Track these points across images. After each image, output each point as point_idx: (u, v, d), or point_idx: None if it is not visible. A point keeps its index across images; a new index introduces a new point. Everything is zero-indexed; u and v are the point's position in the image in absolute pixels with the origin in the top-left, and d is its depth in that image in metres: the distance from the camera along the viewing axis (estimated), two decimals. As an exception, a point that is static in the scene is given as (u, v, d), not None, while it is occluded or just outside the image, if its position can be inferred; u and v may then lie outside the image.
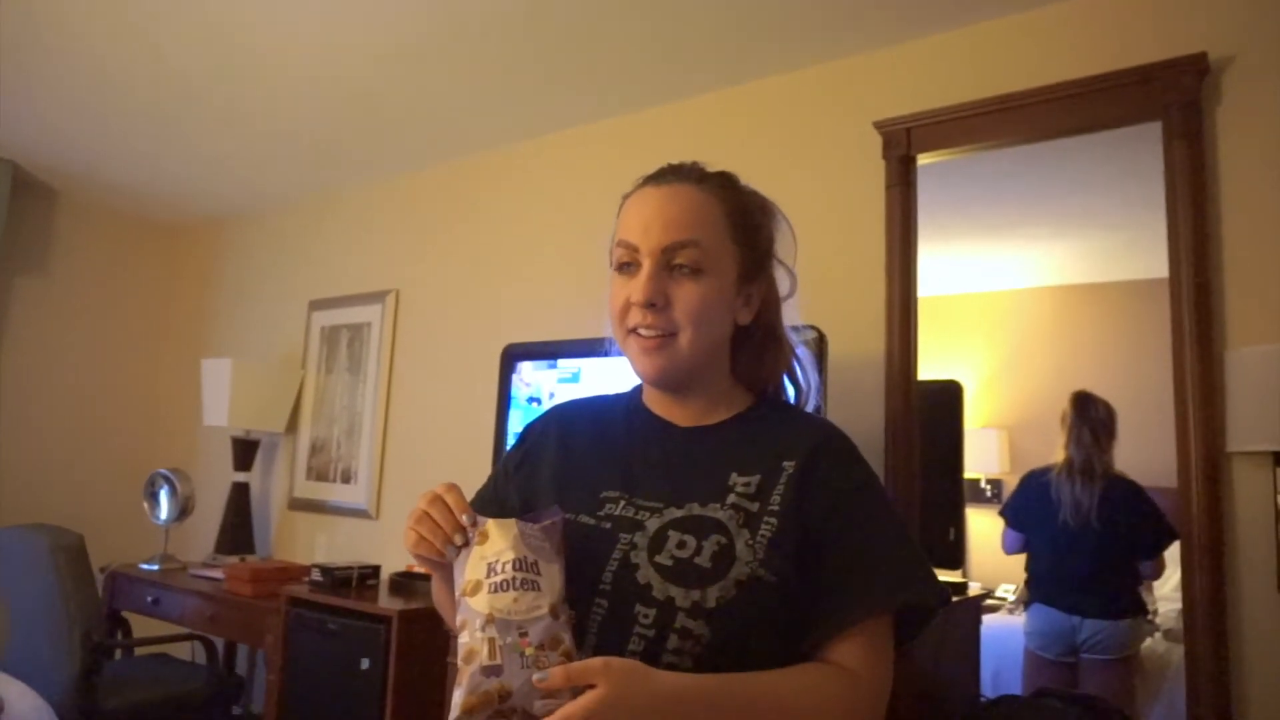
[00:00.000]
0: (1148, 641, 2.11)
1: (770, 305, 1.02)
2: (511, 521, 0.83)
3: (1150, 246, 1.81)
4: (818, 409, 1.07)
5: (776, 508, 0.88)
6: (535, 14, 2.19)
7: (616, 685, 0.73)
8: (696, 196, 0.94)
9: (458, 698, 0.74)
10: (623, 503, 0.92)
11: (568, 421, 1.06)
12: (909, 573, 0.89)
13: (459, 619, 0.80)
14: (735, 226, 0.96)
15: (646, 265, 0.92)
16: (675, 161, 1.00)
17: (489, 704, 0.73)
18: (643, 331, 0.93)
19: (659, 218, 0.92)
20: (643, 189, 0.97)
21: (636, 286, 0.92)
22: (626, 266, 0.94)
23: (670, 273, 0.92)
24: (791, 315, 1.05)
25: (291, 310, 3.72)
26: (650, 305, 0.92)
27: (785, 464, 0.91)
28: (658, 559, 0.86)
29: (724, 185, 0.98)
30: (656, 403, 1.02)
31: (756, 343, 1.02)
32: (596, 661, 0.75)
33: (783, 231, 1.04)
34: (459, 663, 0.76)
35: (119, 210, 4.10)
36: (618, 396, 1.08)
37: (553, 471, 1.00)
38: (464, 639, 0.77)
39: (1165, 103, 1.79)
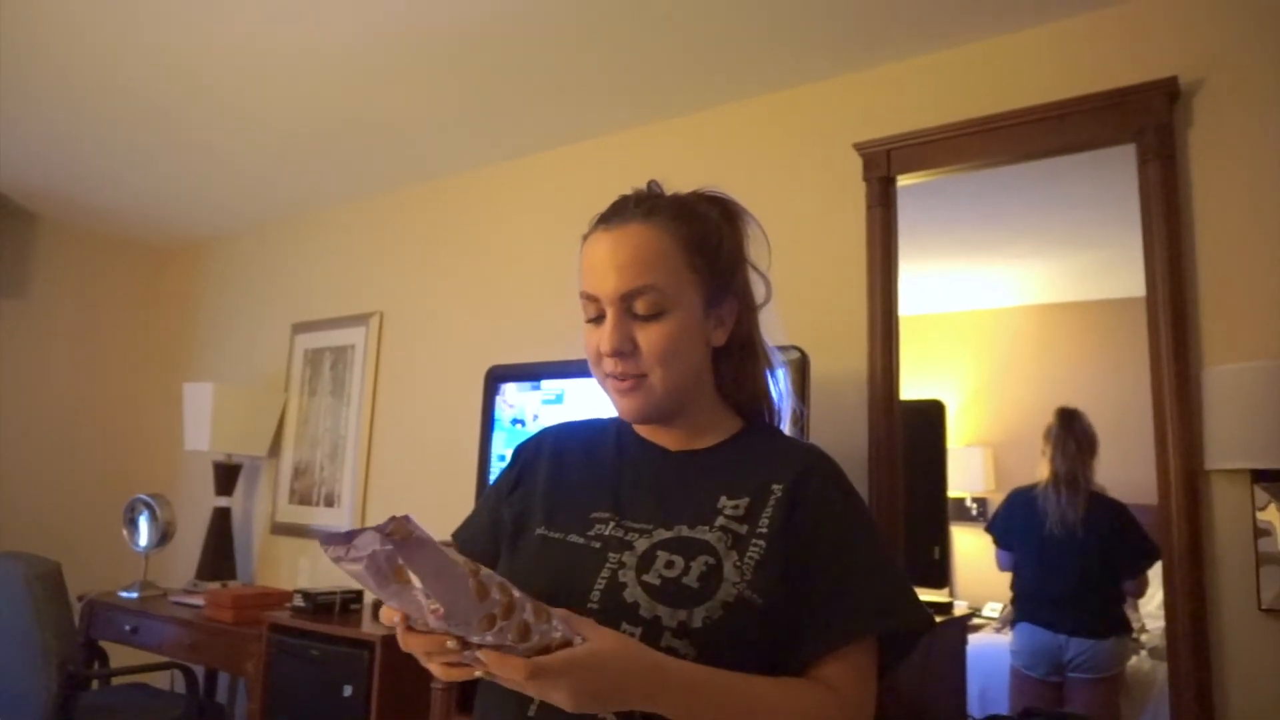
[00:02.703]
0: (1133, 660, 2.11)
1: (745, 317, 1.02)
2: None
3: (1130, 265, 1.83)
4: (797, 415, 1.07)
5: (764, 530, 0.89)
6: (516, 35, 2.21)
7: (606, 640, 0.75)
8: (645, 235, 0.93)
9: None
10: (612, 524, 0.92)
11: (559, 443, 1.07)
12: (894, 598, 0.89)
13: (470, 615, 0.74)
14: (692, 254, 0.95)
15: (610, 315, 0.93)
16: (629, 191, 0.99)
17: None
18: (616, 376, 0.95)
19: (611, 264, 0.92)
20: (595, 233, 0.97)
21: (604, 336, 0.93)
22: (594, 318, 0.96)
23: (633, 317, 0.93)
24: (770, 320, 1.05)
25: (274, 333, 3.70)
26: (618, 354, 0.93)
27: (774, 487, 0.92)
28: (645, 578, 0.86)
29: (675, 215, 0.95)
30: (645, 428, 1.02)
31: (736, 357, 1.02)
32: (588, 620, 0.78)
33: (752, 233, 1.03)
34: (496, 616, 0.71)
35: (99, 233, 4.08)
36: (608, 420, 1.08)
37: (544, 492, 1.00)
38: (489, 598, 0.73)
39: (1138, 125, 1.83)
